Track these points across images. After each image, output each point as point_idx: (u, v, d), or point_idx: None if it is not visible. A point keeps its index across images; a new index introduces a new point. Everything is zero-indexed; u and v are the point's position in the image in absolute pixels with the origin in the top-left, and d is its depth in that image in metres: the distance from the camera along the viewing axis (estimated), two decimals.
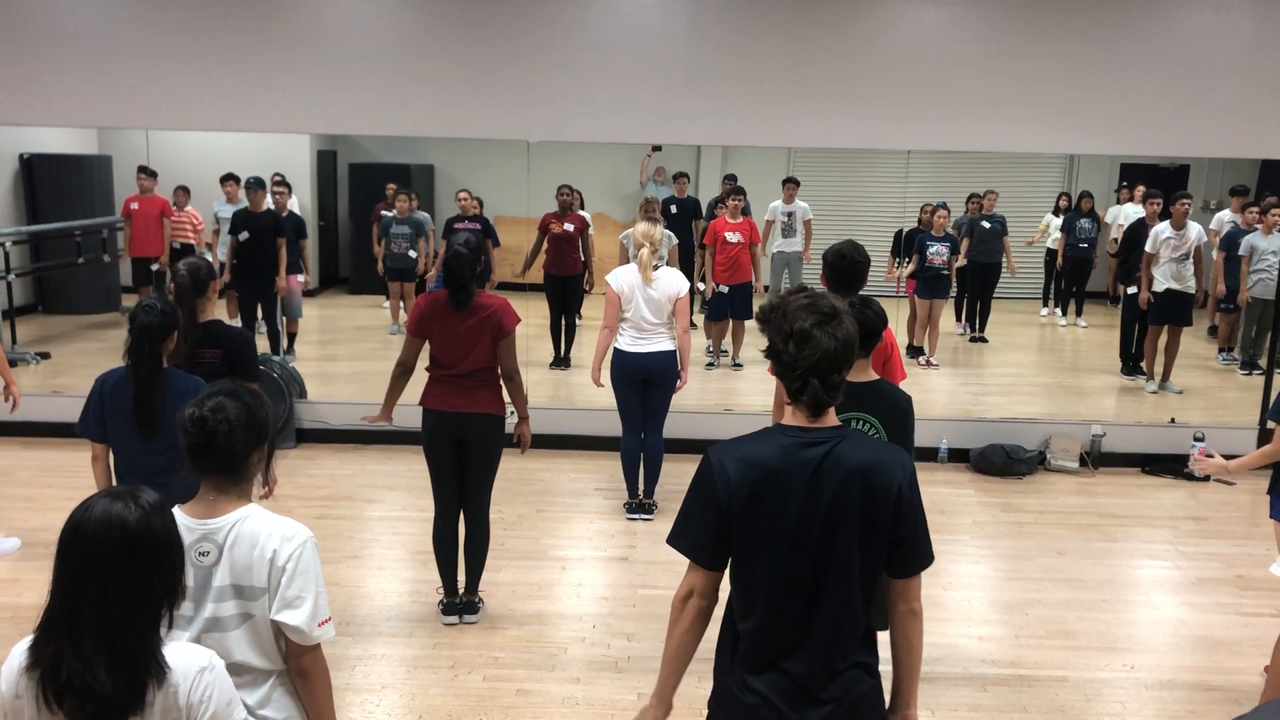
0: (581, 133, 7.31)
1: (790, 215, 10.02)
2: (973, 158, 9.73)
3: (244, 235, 8.68)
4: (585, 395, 8.74)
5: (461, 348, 4.63)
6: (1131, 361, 9.15)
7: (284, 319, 9.09)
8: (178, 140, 9.07)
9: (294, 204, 10.63)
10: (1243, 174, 10.65)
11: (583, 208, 9.67)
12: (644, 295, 5.98)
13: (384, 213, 9.99)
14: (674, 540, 2.39)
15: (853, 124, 7.19)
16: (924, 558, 2.34)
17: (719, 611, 2.43)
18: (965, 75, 7.12)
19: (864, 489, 2.22)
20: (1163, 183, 10.34)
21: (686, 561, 2.38)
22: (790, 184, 10.07)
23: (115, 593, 1.85)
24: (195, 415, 2.30)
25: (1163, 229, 8.49)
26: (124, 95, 7.18)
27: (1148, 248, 8.55)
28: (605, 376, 6.17)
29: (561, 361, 9.28)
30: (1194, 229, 8.49)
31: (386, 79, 7.17)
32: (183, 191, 9.73)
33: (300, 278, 9.17)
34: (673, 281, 6.04)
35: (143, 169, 9.15)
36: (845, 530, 2.22)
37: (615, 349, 6.03)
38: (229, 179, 9.51)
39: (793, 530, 2.22)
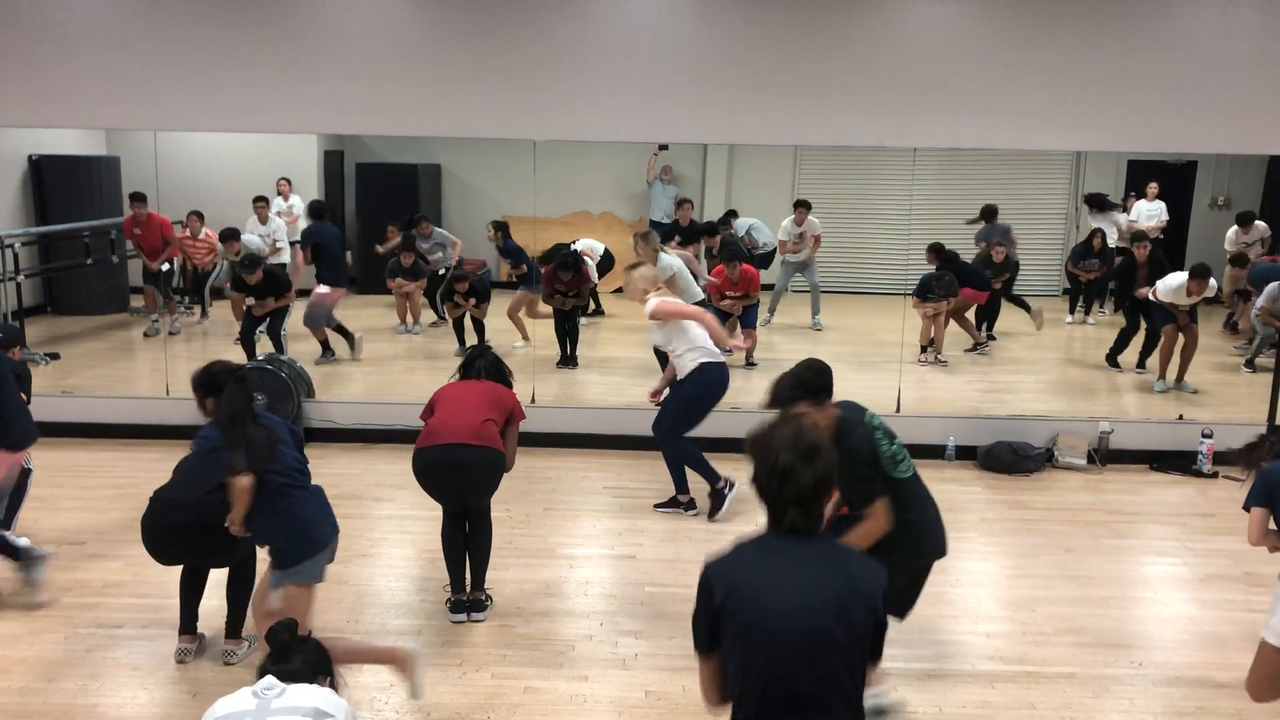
0: (588, 132, 7.32)
1: (801, 235, 10.21)
2: (979, 155, 9.72)
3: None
4: (593, 394, 8.76)
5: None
6: (1115, 358, 9.23)
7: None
8: (185, 141, 9.10)
9: (295, 202, 10.70)
10: (1250, 170, 10.63)
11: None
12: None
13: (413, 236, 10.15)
14: None
15: (859, 122, 7.18)
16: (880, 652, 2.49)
17: None
18: (971, 73, 7.11)
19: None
20: (1170, 179, 10.33)
21: (694, 560, 2.41)
22: (801, 208, 10.24)
23: None
24: None
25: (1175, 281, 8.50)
26: (132, 97, 7.20)
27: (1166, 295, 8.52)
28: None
29: (568, 360, 9.29)
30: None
31: (393, 79, 7.18)
32: (197, 217, 9.85)
33: (322, 289, 9.18)
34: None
35: (134, 196, 9.24)
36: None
37: (704, 363, 6.04)
38: (260, 200, 9.95)
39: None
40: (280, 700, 2.56)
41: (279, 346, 8.69)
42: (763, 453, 2.41)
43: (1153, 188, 10.62)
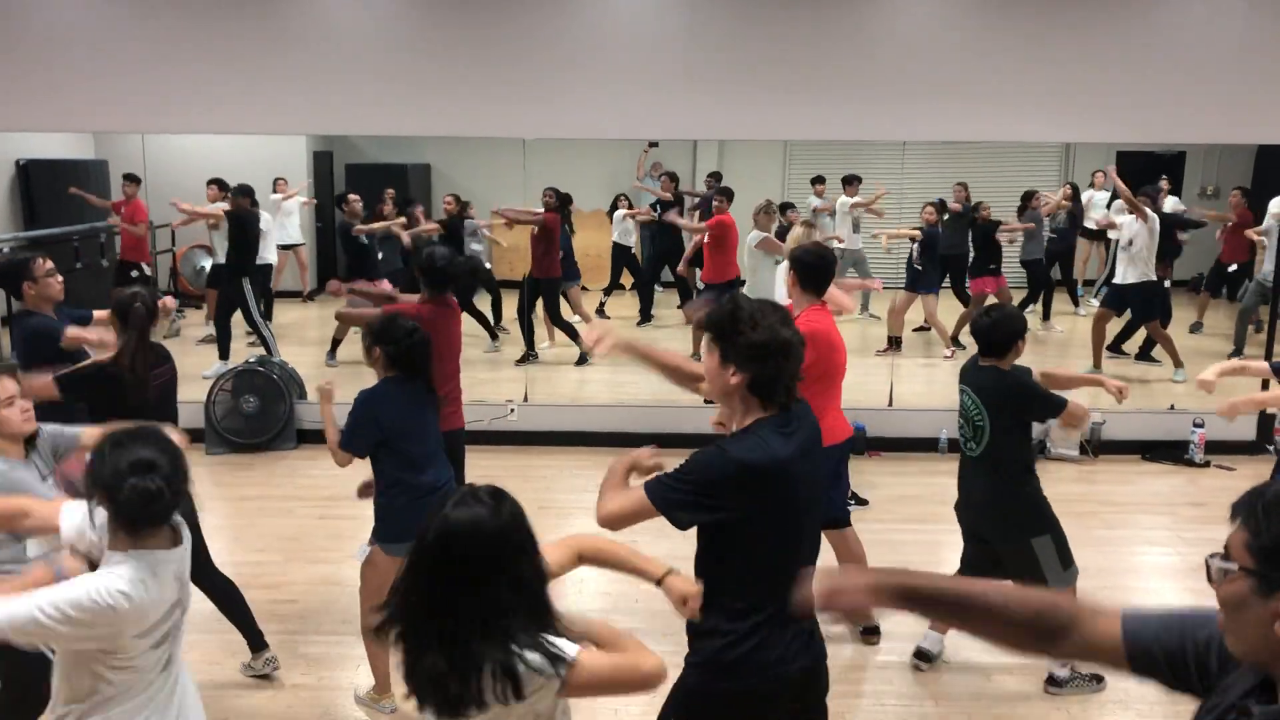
0: (577, 129, 7.31)
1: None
2: (968, 148, 9.72)
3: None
4: (587, 391, 8.76)
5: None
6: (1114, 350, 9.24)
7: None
8: (173, 144, 9.07)
9: (296, 205, 10.66)
10: (1240, 160, 10.65)
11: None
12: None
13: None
14: None
15: (848, 116, 7.19)
16: None
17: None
18: (960, 65, 7.12)
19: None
20: (1159, 170, 10.34)
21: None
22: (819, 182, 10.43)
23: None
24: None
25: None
26: (119, 99, 7.17)
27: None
28: None
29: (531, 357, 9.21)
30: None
31: (381, 79, 7.16)
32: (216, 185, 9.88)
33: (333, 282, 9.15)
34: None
35: (127, 176, 9.20)
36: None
37: None
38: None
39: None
40: None
41: (265, 339, 8.62)
42: (749, 326, 2.38)
43: (1099, 177, 10.66)
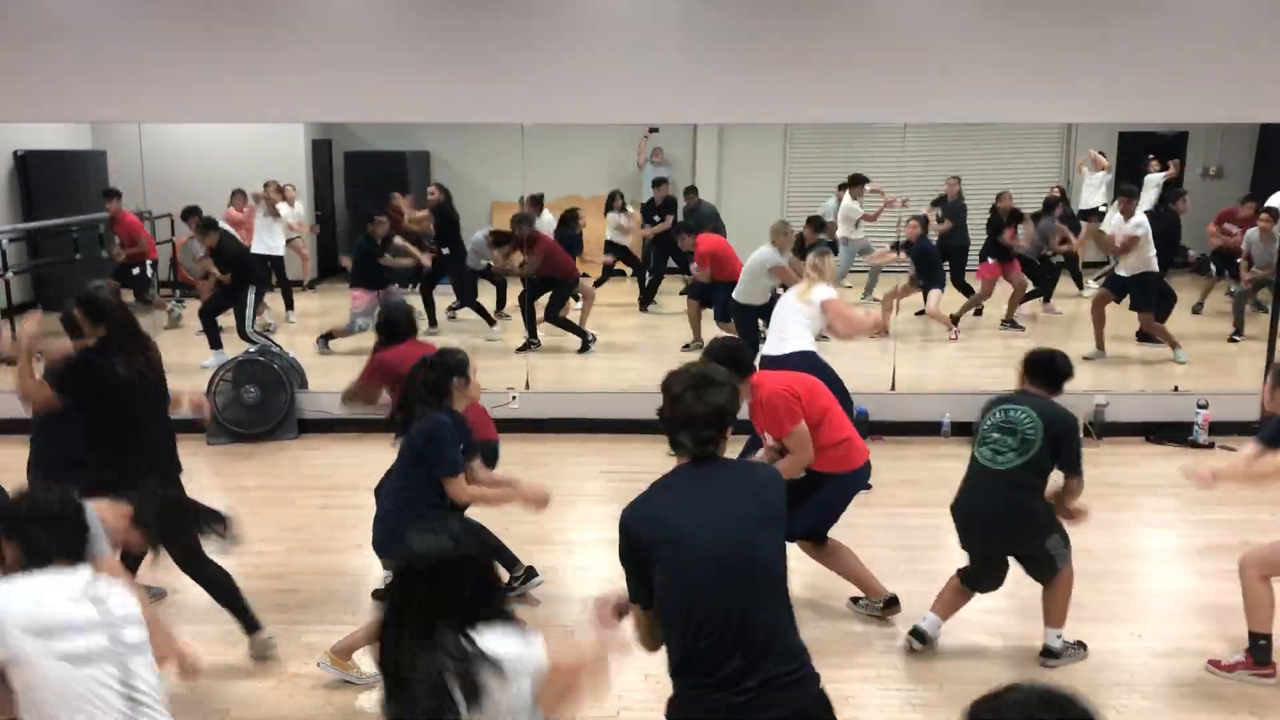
0: (576, 115, 7.27)
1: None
2: (969, 130, 9.69)
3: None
4: (589, 379, 8.74)
5: None
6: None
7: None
8: (171, 133, 9.04)
9: (296, 210, 10.63)
10: (1242, 139, 10.60)
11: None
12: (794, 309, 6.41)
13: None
14: None
15: (848, 99, 7.14)
16: None
17: None
18: (960, 47, 7.06)
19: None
20: (1161, 150, 10.30)
21: None
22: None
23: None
24: None
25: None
26: (116, 89, 7.14)
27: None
28: None
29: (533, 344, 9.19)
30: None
31: (380, 66, 7.12)
32: (241, 195, 9.87)
33: (354, 292, 9.19)
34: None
35: (105, 193, 9.21)
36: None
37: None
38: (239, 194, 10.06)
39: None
40: None
41: (245, 336, 8.58)
42: (664, 385, 2.68)
43: (1096, 158, 10.63)
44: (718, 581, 2.48)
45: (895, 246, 9.54)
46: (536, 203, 9.79)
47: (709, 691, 2.47)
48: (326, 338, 9.21)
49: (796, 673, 2.52)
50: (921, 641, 4.44)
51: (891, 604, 4.75)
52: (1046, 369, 4.39)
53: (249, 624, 4.37)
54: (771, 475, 2.79)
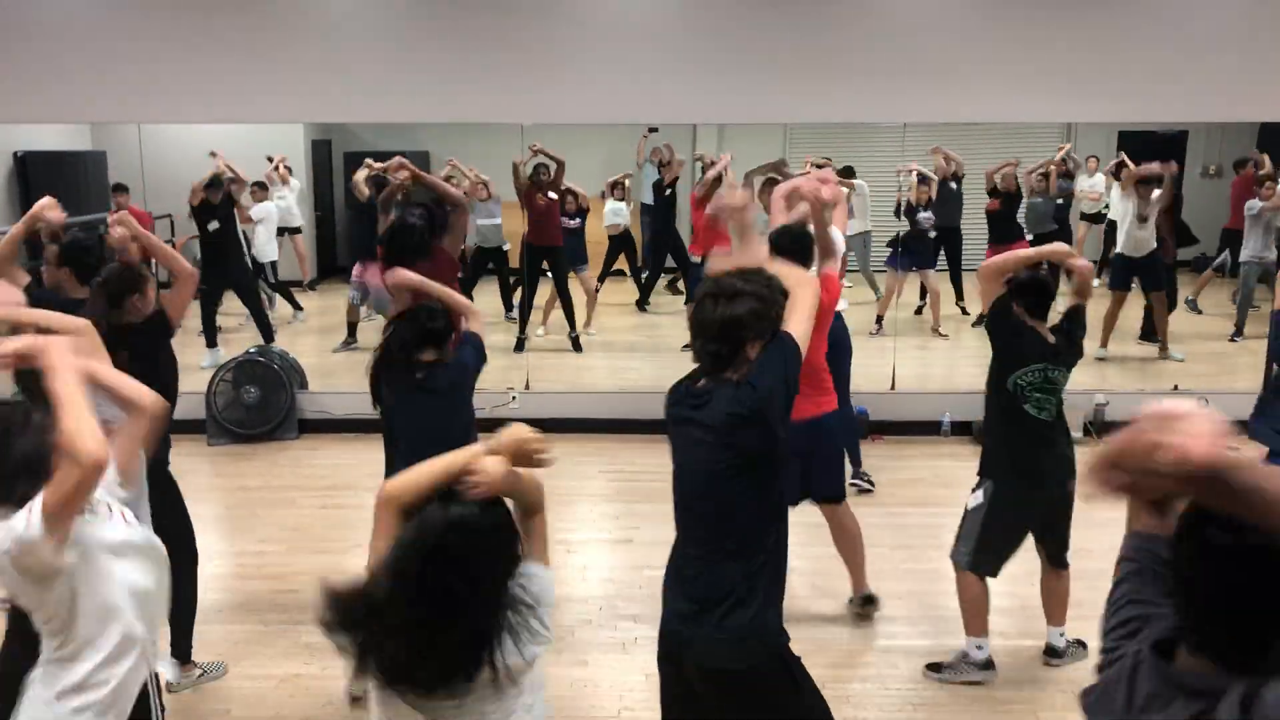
0: (576, 114, 7.27)
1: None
2: (969, 129, 9.67)
3: (213, 225, 8.78)
4: (589, 378, 8.74)
5: None
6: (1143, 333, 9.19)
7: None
8: (171, 134, 9.04)
9: (292, 192, 10.64)
10: (1241, 138, 10.59)
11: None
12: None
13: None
14: None
15: (848, 98, 7.14)
16: None
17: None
18: (961, 46, 7.06)
19: None
20: (1161, 149, 10.27)
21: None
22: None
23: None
24: None
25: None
26: (116, 90, 7.14)
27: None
28: None
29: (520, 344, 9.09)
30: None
31: (379, 66, 7.12)
32: (260, 188, 9.97)
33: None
34: None
35: (115, 187, 9.20)
36: None
37: None
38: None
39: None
40: None
41: (267, 331, 8.61)
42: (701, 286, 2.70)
43: (1092, 162, 10.62)
44: (688, 515, 2.83)
45: (897, 210, 9.54)
46: None
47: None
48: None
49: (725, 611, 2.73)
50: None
51: (869, 601, 4.74)
52: (1035, 293, 4.21)
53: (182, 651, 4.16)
54: (747, 388, 2.59)
